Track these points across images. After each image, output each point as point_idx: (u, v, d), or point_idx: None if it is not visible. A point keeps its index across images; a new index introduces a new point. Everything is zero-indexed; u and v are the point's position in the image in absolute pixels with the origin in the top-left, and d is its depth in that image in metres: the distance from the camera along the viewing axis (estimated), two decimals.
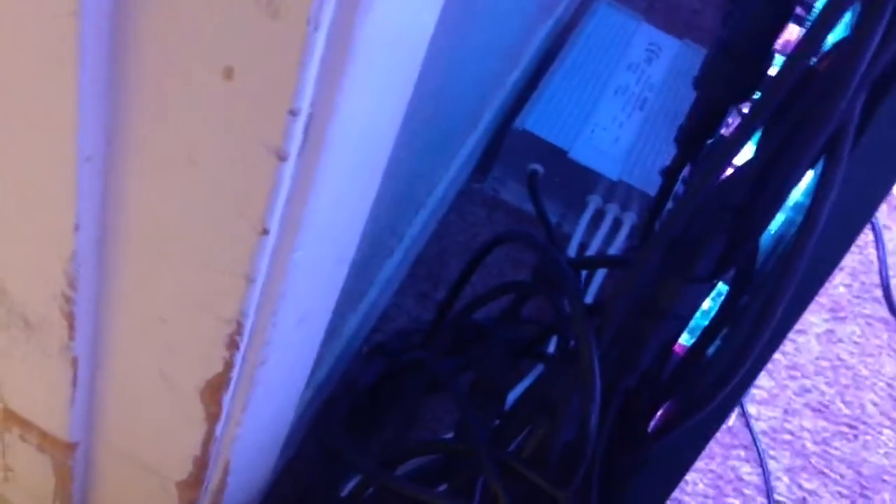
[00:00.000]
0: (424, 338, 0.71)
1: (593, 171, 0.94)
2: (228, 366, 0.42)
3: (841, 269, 1.06)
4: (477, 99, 0.89)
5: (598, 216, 0.95)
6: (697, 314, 0.56)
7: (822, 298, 1.02)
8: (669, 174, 0.52)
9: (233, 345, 0.41)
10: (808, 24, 0.39)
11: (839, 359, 0.96)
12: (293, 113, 0.31)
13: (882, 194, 0.44)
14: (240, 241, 0.36)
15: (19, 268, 0.42)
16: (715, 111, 0.47)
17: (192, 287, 0.40)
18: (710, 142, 0.48)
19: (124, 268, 0.40)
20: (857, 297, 1.04)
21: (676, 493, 0.80)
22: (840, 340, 0.98)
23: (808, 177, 0.46)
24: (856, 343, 0.99)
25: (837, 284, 1.04)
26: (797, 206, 0.48)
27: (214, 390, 0.44)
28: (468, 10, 0.64)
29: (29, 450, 0.53)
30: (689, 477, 0.81)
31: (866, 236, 1.11)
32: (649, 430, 0.58)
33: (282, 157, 0.33)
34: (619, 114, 1.01)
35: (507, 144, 0.96)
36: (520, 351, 0.68)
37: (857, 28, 0.37)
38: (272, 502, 0.64)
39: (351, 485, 0.61)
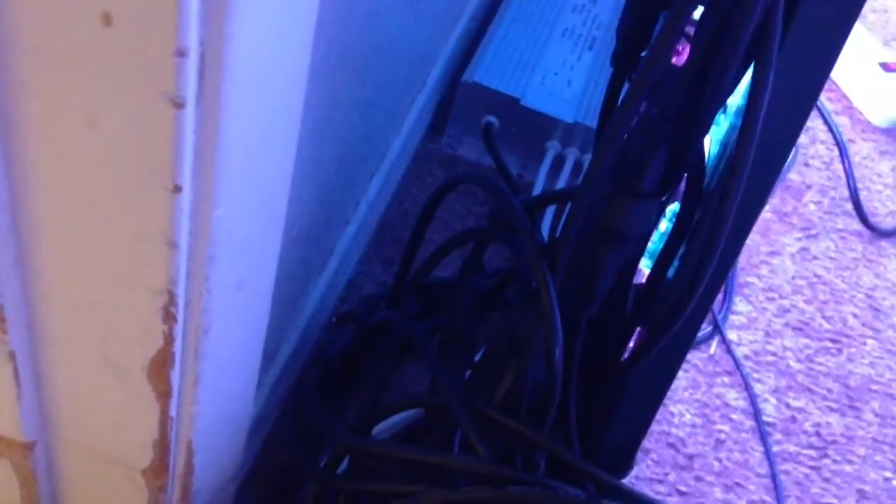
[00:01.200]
0: (390, 301, 0.69)
1: (549, 116, 0.92)
2: (169, 340, 0.41)
3: (809, 187, 1.06)
4: (422, 55, 0.87)
5: (559, 161, 0.93)
6: (656, 239, 0.55)
7: (792, 218, 1.02)
8: (608, 96, 0.50)
9: (169, 317, 0.40)
10: None
11: (815, 275, 0.96)
12: (181, 53, 0.30)
13: (816, 88, 0.42)
14: (153, 203, 0.35)
15: None
16: (643, 20, 0.45)
17: (116, 262, 0.38)
18: (643, 54, 0.47)
19: (43, 251, 0.39)
20: (828, 212, 1.03)
21: (664, 426, 0.80)
22: (815, 257, 0.98)
23: (746, 80, 0.45)
24: (831, 258, 0.98)
25: (807, 202, 1.04)
26: (738, 110, 0.47)
27: (160, 368, 0.43)
28: None
29: None
30: (675, 408, 0.81)
31: (832, 152, 1.10)
32: (622, 359, 0.57)
33: (178, 104, 0.31)
34: (569, 56, 0.99)
35: (458, 99, 0.94)
36: (485, 301, 0.66)
37: None
38: (251, 485, 0.62)
39: (328, 456, 0.59)
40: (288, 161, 0.41)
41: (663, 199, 0.47)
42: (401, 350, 0.69)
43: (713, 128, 0.49)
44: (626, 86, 0.50)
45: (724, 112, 0.49)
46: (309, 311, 0.70)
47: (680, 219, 0.51)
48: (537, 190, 0.91)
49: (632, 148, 0.45)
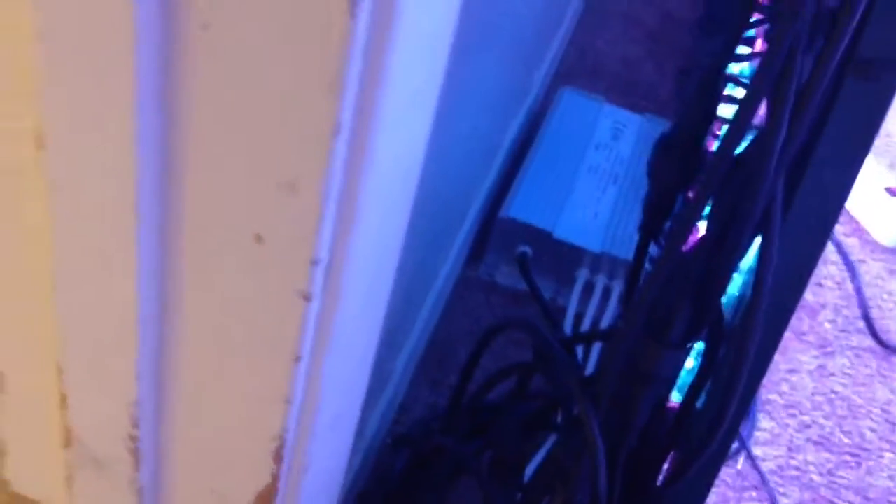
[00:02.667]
0: (443, 423, 0.77)
1: (578, 246, 1.01)
2: (276, 477, 0.49)
3: (823, 307, 1.13)
4: (463, 195, 0.97)
5: (588, 287, 1.02)
6: (684, 373, 0.62)
7: (809, 336, 1.09)
8: (636, 256, 0.59)
9: (279, 458, 0.48)
10: (730, 121, 0.47)
11: (833, 391, 1.02)
12: (314, 263, 0.39)
13: (818, 250, 0.51)
14: (278, 370, 0.43)
15: (90, 415, 0.48)
16: (665, 198, 0.54)
17: (240, 415, 0.46)
18: (667, 224, 0.56)
19: (179, 406, 0.47)
20: (843, 330, 1.10)
21: None
22: (832, 374, 1.04)
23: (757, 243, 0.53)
24: (847, 374, 1.04)
25: (822, 321, 1.11)
26: (751, 269, 0.55)
27: (265, 500, 0.50)
28: (448, 123, 0.72)
29: None
30: None
31: (843, 272, 1.18)
32: (658, 483, 0.64)
33: (307, 298, 0.40)
34: (595, 190, 1.09)
35: (495, 232, 1.04)
36: (532, 424, 0.74)
37: (768, 122, 0.45)
38: None
39: None
40: (378, 325, 0.50)
41: (688, 346, 0.55)
42: (454, 471, 0.75)
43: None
44: (651, 250, 0.59)
45: (738, 270, 0.57)
46: (369, 435, 0.77)
47: (705, 357, 0.59)
48: (570, 314, 0.99)
49: (661, 305, 0.53)
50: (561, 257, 1.02)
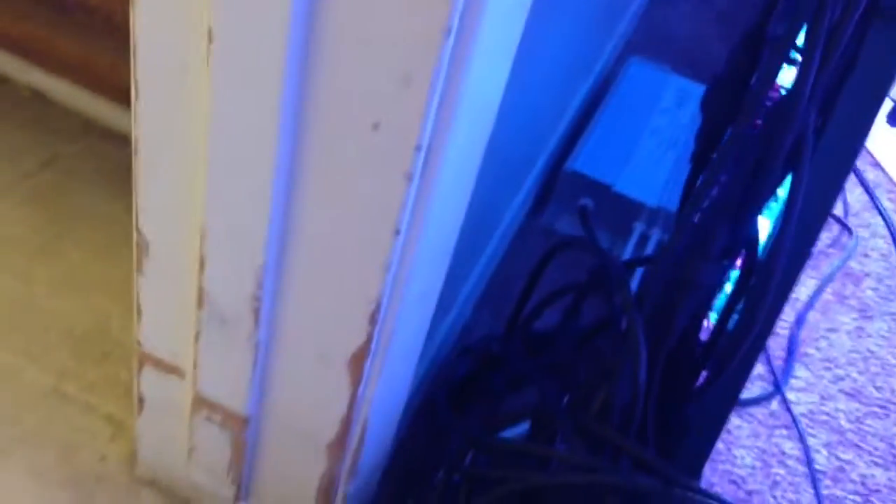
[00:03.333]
0: (503, 341, 0.86)
1: (636, 200, 1.09)
2: (370, 338, 0.59)
3: (867, 275, 1.19)
4: (531, 145, 1.06)
5: (643, 240, 1.10)
6: (722, 298, 0.71)
7: (851, 301, 1.15)
8: (687, 183, 0.67)
9: (374, 320, 0.58)
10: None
11: (869, 351, 1.08)
12: (418, 148, 0.49)
13: (835, 191, 0.59)
14: (380, 241, 0.53)
15: (223, 276, 0.59)
16: (715, 130, 0.63)
17: (345, 280, 0.56)
18: (714, 155, 0.64)
19: (296, 270, 0.57)
20: (884, 297, 1.16)
21: (728, 466, 0.93)
22: (869, 335, 1.11)
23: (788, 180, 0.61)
24: (884, 337, 1.11)
25: (865, 288, 1.17)
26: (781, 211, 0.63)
27: (359, 360, 0.60)
28: (524, 73, 0.81)
29: (213, 428, 0.70)
30: (738, 452, 0.94)
31: (890, 245, 1.23)
32: (693, 390, 0.72)
33: (409, 179, 0.50)
34: (656, 151, 1.16)
35: (560, 183, 1.13)
36: (581, 345, 0.83)
37: (804, 52, 0.53)
38: (394, 470, 0.79)
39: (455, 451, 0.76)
40: (460, 216, 0.60)
41: (725, 263, 0.64)
42: (511, 381, 0.85)
43: (768, 212, 0.66)
44: (701, 179, 0.67)
45: (776, 200, 0.66)
46: (437, 344, 0.87)
47: (738, 283, 0.67)
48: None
49: (702, 224, 0.62)
50: (619, 211, 1.10)
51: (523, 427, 0.80)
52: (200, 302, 0.62)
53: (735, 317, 0.69)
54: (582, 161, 1.12)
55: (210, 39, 0.48)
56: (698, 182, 0.61)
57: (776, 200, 0.66)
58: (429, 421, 0.80)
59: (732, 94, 0.61)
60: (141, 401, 0.74)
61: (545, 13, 0.82)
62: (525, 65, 0.83)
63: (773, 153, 0.56)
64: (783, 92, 0.57)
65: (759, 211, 0.61)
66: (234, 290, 0.59)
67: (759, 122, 0.59)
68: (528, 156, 1.06)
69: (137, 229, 0.61)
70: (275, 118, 0.49)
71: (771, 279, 0.61)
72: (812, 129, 0.56)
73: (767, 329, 0.66)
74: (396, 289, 0.56)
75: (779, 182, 0.60)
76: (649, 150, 1.16)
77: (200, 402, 0.69)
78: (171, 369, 0.70)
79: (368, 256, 0.54)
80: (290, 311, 0.60)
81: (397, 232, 0.53)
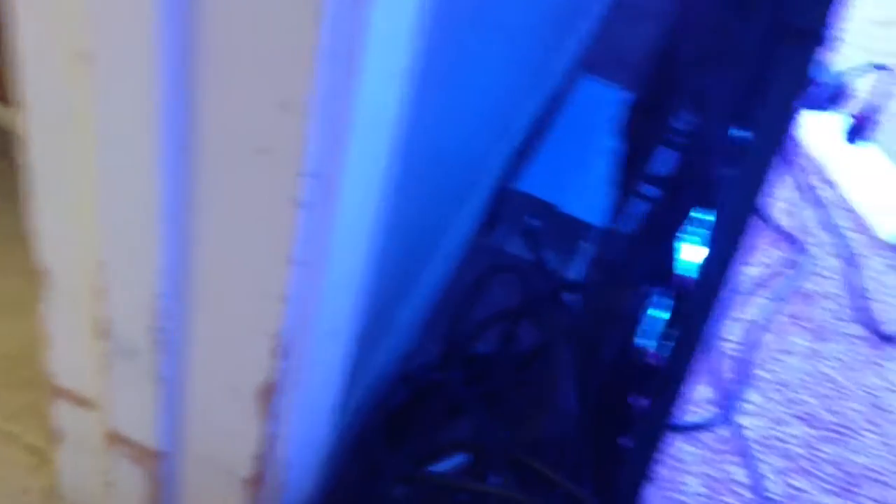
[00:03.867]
0: (441, 367, 0.84)
1: (582, 220, 1.07)
2: (275, 372, 0.56)
3: (823, 297, 1.18)
4: (474, 166, 1.04)
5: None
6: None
7: (805, 322, 1.13)
8: (612, 212, 0.66)
9: (277, 355, 0.55)
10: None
11: (822, 374, 1.07)
12: (306, 174, 0.46)
13: (747, 213, 0.57)
14: (275, 271, 0.51)
15: (124, 308, 0.57)
16: (636, 158, 0.61)
17: (246, 312, 0.54)
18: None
19: (197, 299, 0.55)
20: (839, 319, 1.15)
21: (675, 493, 0.91)
22: (824, 358, 1.09)
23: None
24: (838, 359, 1.09)
25: (819, 309, 1.16)
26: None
27: (266, 395, 0.58)
28: (458, 94, 0.80)
29: (127, 463, 0.67)
30: (687, 479, 0.92)
31: (845, 266, 1.22)
32: (629, 422, 0.70)
33: (299, 206, 0.48)
34: (604, 170, 1.15)
35: (507, 203, 1.11)
36: (521, 370, 0.81)
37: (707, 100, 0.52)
38: None
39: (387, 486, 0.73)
40: (370, 246, 0.58)
41: (644, 289, 0.62)
42: (449, 409, 0.83)
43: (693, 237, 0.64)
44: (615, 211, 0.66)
45: (702, 224, 0.64)
46: (373, 373, 0.85)
47: (673, 309, 0.65)
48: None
49: (624, 253, 0.60)
50: (566, 230, 1.08)
51: (461, 458, 0.78)
52: (104, 333, 0.59)
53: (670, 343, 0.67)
54: (529, 181, 1.10)
55: (88, 63, 0.46)
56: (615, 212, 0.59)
57: (702, 225, 0.65)
58: (364, 454, 0.78)
59: (650, 119, 0.59)
60: (58, 433, 0.71)
61: (476, 28, 0.80)
62: (458, 86, 0.82)
63: (685, 179, 0.54)
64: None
65: (675, 237, 0.59)
66: (135, 321, 0.57)
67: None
68: (470, 176, 1.04)
69: (35, 258, 0.59)
70: (156, 144, 0.47)
71: (697, 306, 0.59)
72: (722, 155, 0.54)
73: (692, 355, 0.64)
74: (302, 323, 0.54)
75: (689, 208, 0.59)
76: (598, 169, 1.15)
77: (113, 437, 0.66)
78: (83, 402, 0.67)
79: (265, 287, 0.52)
80: (195, 343, 0.58)
81: (292, 262, 0.50)
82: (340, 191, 0.48)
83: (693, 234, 0.64)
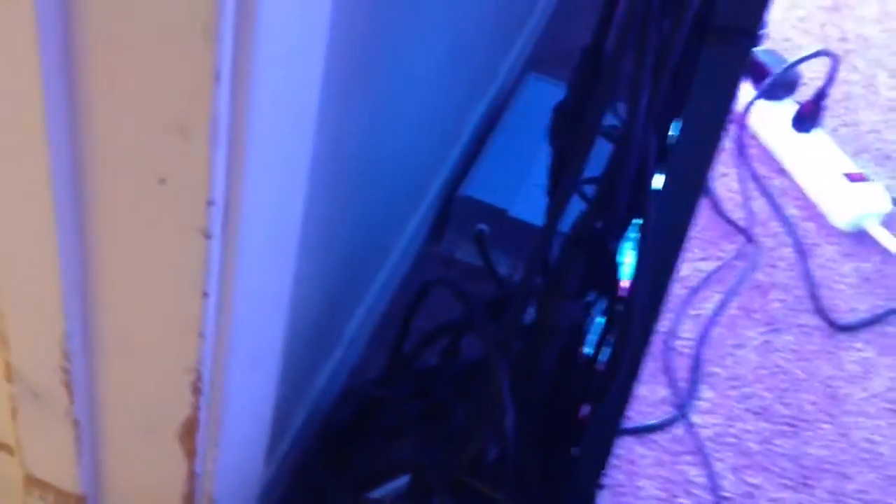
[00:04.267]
0: (384, 382, 0.81)
1: (533, 224, 1.05)
2: (196, 409, 0.53)
3: (774, 286, 1.17)
4: (422, 173, 1.02)
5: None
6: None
7: (757, 314, 1.12)
8: (546, 219, 0.63)
9: (196, 391, 0.52)
10: None
11: (777, 366, 1.06)
12: (211, 203, 0.43)
13: (691, 209, 0.55)
14: (188, 305, 0.48)
15: (27, 351, 0.53)
16: (563, 161, 0.59)
17: (158, 348, 0.51)
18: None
19: (104, 339, 0.52)
20: (792, 309, 1.14)
21: (631, 499, 0.89)
22: (777, 349, 1.08)
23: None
24: (792, 350, 1.08)
25: (772, 300, 1.15)
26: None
27: (188, 432, 0.55)
28: (387, 104, 0.77)
29: None
30: (641, 483, 0.90)
31: (796, 256, 1.21)
32: (573, 429, 0.68)
33: (207, 236, 0.45)
34: None
35: (454, 210, 1.08)
36: (463, 381, 0.78)
37: (630, 91, 0.49)
38: None
39: None
40: (288, 270, 0.55)
41: (586, 299, 0.60)
42: (395, 423, 0.80)
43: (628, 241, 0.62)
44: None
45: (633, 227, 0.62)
46: (316, 391, 0.82)
47: (607, 313, 0.63)
48: None
49: (560, 260, 0.58)
50: (517, 235, 1.06)
51: (404, 479, 0.75)
52: (10, 377, 0.56)
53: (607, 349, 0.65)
54: (476, 186, 1.08)
55: None
56: (547, 218, 0.57)
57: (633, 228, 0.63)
58: (305, 479, 0.75)
59: (576, 120, 0.57)
60: None
61: (413, 34, 0.77)
62: (395, 92, 0.79)
63: (616, 184, 0.52)
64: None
65: (614, 240, 0.57)
66: (41, 364, 0.53)
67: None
68: (418, 186, 1.02)
69: None
70: (45, 180, 0.44)
71: (633, 311, 0.57)
72: (653, 157, 0.52)
73: (638, 359, 0.62)
74: (218, 356, 0.51)
75: (627, 211, 0.57)
76: (545, 170, 1.12)
77: (31, 482, 0.63)
78: (1, 446, 0.63)
79: (179, 322, 0.49)
80: (107, 382, 0.54)
81: (206, 294, 0.47)
82: (245, 218, 0.45)
83: (630, 237, 0.62)
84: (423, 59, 0.85)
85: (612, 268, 0.59)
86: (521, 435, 0.64)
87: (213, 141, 0.41)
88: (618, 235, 0.56)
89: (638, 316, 0.57)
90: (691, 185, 0.53)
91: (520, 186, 1.09)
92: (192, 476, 0.57)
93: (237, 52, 0.39)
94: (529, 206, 1.07)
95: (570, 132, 0.57)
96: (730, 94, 0.47)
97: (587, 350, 0.67)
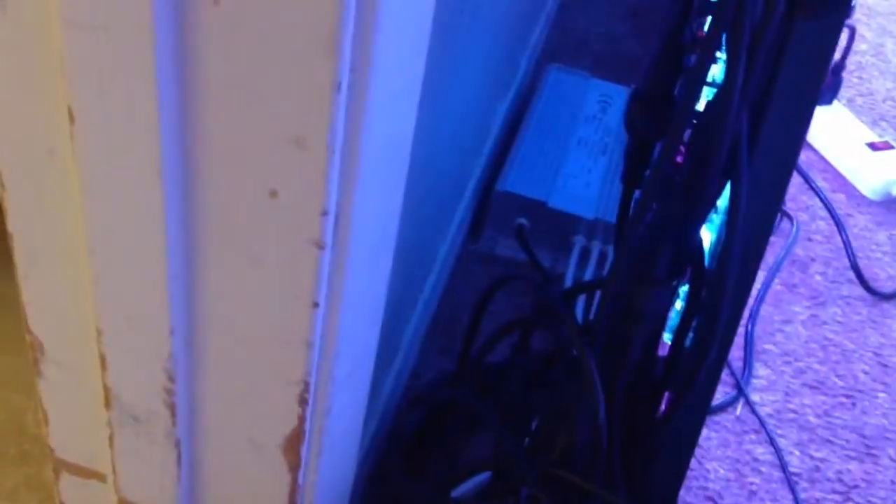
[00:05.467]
0: (453, 381, 0.81)
1: (572, 214, 1.05)
2: (302, 420, 0.53)
3: (814, 260, 1.17)
4: (458, 172, 1.02)
5: (585, 253, 1.06)
6: (674, 315, 0.67)
7: (801, 289, 1.13)
8: (621, 205, 0.63)
9: (303, 402, 0.52)
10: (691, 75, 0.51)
11: (826, 339, 1.06)
12: (325, 213, 0.43)
13: (781, 191, 0.55)
14: (298, 316, 0.48)
15: (128, 373, 0.53)
16: (643, 147, 0.59)
17: (266, 361, 0.51)
18: (647, 172, 0.60)
19: (210, 357, 0.51)
20: (834, 281, 1.14)
21: (702, 482, 0.90)
22: (824, 322, 1.08)
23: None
24: (838, 322, 1.09)
25: (813, 274, 1.15)
26: (725, 209, 0.60)
27: (293, 444, 0.55)
28: (438, 101, 0.77)
29: None
30: (710, 465, 0.91)
31: (832, 226, 1.22)
32: (656, 418, 0.68)
33: (321, 247, 0.44)
34: (586, 161, 1.13)
35: (492, 206, 1.08)
36: (533, 380, 0.78)
37: (728, 62, 0.49)
38: None
39: None
40: (385, 278, 0.55)
41: (674, 283, 0.60)
42: (466, 424, 0.80)
43: (709, 224, 0.62)
44: (635, 197, 0.63)
45: (716, 211, 0.62)
46: (384, 398, 0.82)
47: (690, 298, 0.63)
48: (568, 279, 1.03)
49: (644, 246, 0.58)
50: (557, 226, 1.06)
51: (485, 476, 0.75)
52: (108, 402, 0.55)
53: (691, 334, 0.65)
54: (512, 181, 1.08)
55: (71, 120, 0.42)
56: (632, 202, 0.57)
57: (716, 211, 0.63)
58: (384, 486, 0.75)
59: (656, 106, 0.57)
60: None
61: (454, 32, 0.77)
62: (438, 90, 0.79)
63: (708, 163, 0.52)
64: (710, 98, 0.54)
65: (700, 225, 0.57)
66: (143, 386, 0.53)
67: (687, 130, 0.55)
68: (456, 185, 1.02)
69: (28, 329, 0.55)
70: (158, 196, 0.44)
71: (724, 292, 0.57)
72: (746, 133, 0.52)
73: (728, 341, 0.62)
74: (324, 366, 0.51)
75: (718, 193, 0.57)
76: (579, 160, 1.13)
77: None
78: (91, 474, 0.63)
79: (288, 334, 0.49)
80: (210, 401, 0.54)
81: (316, 305, 0.47)
82: (356, 226, 0.45)
83: (712, 220, 0.62)
84: (461, 57, 0.85)
85: (699, 253, 0.59)
86: (607, 423, 0.64)
87: (331, 151, 0.41)
88: (702, 220, 0.56)
89: (728, 300, 0.57)
90: (783, 164, 0.53)
91: (555, 178, 1.09)
92: (294, 488, 0.57)
93: (356, 61, 0.39)
94: (567, 196, 1.07)
95: (648, 118, 0.57)
96: (822, 69, 0.48)
97: (667, 336, 0.67)
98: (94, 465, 0.62)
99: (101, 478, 0.62)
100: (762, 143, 0.52)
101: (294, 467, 0.56)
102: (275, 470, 0.56)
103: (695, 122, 0.53)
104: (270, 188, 0.43)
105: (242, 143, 0.42)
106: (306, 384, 0.51)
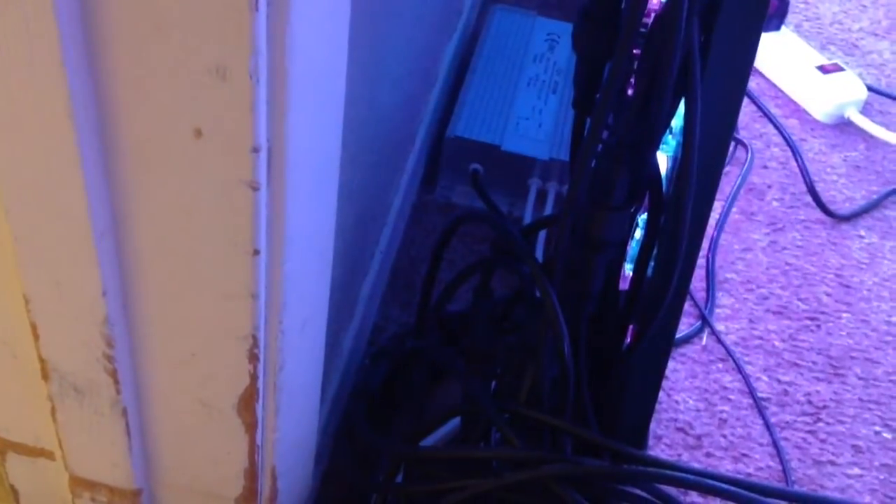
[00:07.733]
0: (416, 334, 0.79)
1: (527, 156, 1.03)
2: (254, 377, 0.51)
3: (770, 187, 1.17)
4: (407, 119, 0.98)
5: (542, 195, 1.04)
6: (634, 245, 0.65)
7: (759, 216, 1.12)
8: (574, 134, 0.61)
9: (254, 357, 0.49)
10: None
11: (787, 264, 1.06)
12: (255, 150, 0.40)
13: (736, 106, 0.53)
14: (238, 265, 0.45)
15: (63, 342, 0.50)
16: (592, 70, 0.56)
17: (210, 318, 0.48)
18: (597, 96, 0.58)
19: (149, 318, 0.48)
20: (791, 206, 1.14)
21: (672, 413, 0.89)
22: (784, 248, 1.08)
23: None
24: (798, 246, 1.08)
25: (770, 200, 1.14)
26: (680, 130, 0.57)
27: (248, 403, 0.52)
28: (377, 43, 0.73)
29: None
30: (679, 396, 0.90)
31: (786, 152, 1.21)
32: (622, 350, 0.67)
33: (255, 188, 0.41)
34: (537, 101, 1.10)
35: (445, 153, 1.05)
36: (497, 323, 0.76)
37: None
38: None
39: (385, 470, 0.68)
40: (331, 221, 0.52)
41: (632, 209, 0.58)
42: (432, 374, 0.78)
43: (664, 146, 0.60)
44: (588, 123, 0.61)
45: (672, 133, 0.60)
46: (345, 354, 0.79)
47: (649, 225, 0.61)
48: (527, 221, 1.01)
49: (600, 172, 0.56)
50: (512, 170, 1.04)
51: (455, 423, 0.73)
52: (45, 374, 0.52)
53: (652, 263, 0.63)
54: (463, 126, 1.05)
55: None
56: (585, 129, 0.54)
57: (671, 133, 0.61)
58: (351, 442, 0.73)
59: (604, 23, 0.54)
60: (14, 491, 0.64)
61: None
62: (383, 36, 0.75)
63: (660, 78, 0.50)
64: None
65: (656, 147, 0.55)
66: (80, 354, 0.50)
67: (636, 51, 0.52)
68: (406, 132, 0.98)
69: None
70: (71, 145, 0.40)
71: (683, 213, 0.55)
72: (697, 45, 0.50)
73: (689, 268, 0.61)
74: (272, 318, 0.48)
75: (672, 111, 0.54)
76: (530, 101, 1.10)
77: (79, 484, 0.59)
78: (38, 452, 0.60)
79: (230, 286, 0.46)
80: (154, 364, 0.51)
81: (256, 252, 0.44)
82: (294, 163, 0.42)
83: (668, 144, 0.60)
84: (404, 4, 0.81)
85: (656, 177, 0.57)
86: (574, 360, 0.62)
87: (255, 80, 0.38)
88: (657, 141, 0.54)
89: (687, 221, 0.55)
90: (734, 83, 0.51)
91: (506, 120, 1.07)
92: (253, 448, 0.55)
93: None
94: (520, 138, 1.05)
95: (597, 36, 0.54)
96: None
97: (629, 265, 0.65)
98: (40, 442, 0.59)
99: (49, 455, 0.59)
100: (712, 63, 0.50)
101: (251, 427, 0.53)
102: (231, 431, 0.54)
103: (644, 32, 0.50)
104: (194, 126, 0.40)
105: (158, 77, 0.38)
106: (255, 339, 0.48)
